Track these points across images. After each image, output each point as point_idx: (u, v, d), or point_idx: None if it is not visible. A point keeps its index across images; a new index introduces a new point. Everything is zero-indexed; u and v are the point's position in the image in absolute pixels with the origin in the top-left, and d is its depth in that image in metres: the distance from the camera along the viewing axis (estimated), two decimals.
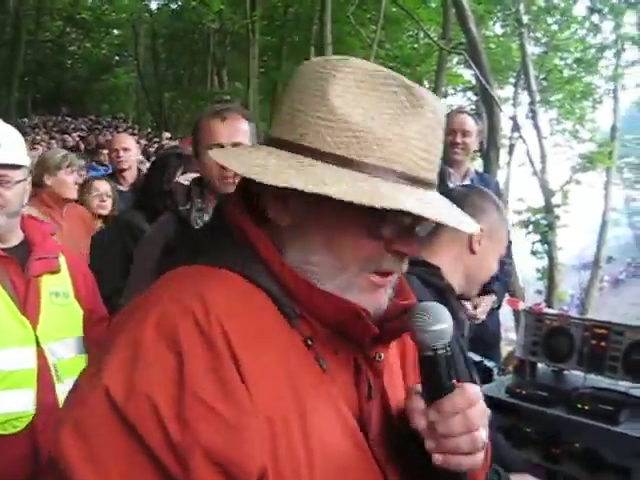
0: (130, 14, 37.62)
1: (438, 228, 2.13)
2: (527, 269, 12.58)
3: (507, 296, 5.03)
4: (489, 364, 2.82)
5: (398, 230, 1.02)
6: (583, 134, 23.92)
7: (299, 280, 1.02)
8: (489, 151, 10.11)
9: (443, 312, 1.06)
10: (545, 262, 11.77)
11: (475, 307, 4.03)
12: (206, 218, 2.58)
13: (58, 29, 42.99)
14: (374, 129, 0.97)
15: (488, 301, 4.14)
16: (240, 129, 2.61)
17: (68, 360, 2.46)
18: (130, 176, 5.40)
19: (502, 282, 4.41)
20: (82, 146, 17.29)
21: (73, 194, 4.24)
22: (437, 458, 1.00)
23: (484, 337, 3.90)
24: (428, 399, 1.03)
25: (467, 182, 4.39)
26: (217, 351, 0.90)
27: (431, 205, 0.99)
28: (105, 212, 4.59)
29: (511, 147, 21.28)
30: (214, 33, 32.78)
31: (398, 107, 0.99)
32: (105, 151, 8.96)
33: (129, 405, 0.86)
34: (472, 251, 2.11)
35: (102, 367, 0.90)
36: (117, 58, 46.45)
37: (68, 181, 4.19)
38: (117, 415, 0.86)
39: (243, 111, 2.71)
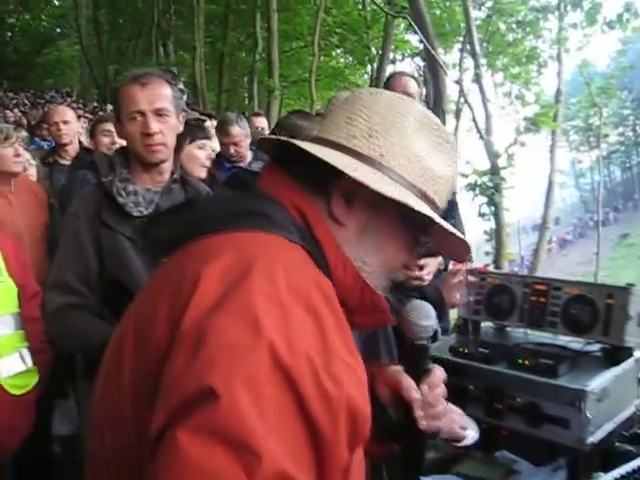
0: None
1: None
2: (476, 232, 12.76)
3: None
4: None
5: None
6: (529, 98, 24.17)
7: (350, 267, 1.17)
8: (435, 114, 10.16)
9: (431, 310, 1.38)
10: (493, 224, 11.95)
11: (421, 269, 4.07)
12: (131, 188, 2.53)
13: None
14: (435, 167, 1.21)
15: (434, 263, 4.17)
16: (161, 94, 2.56)
17: (7, 336, 2.45)
18: (72, 150, 5.25)
19: None
20: (25, 121, 16.85)
21: (16, 167, 4.14)
22: (424, 424, 1.33)
23: (428, 298, 3.93)
24: (415, 378, 1.33)
25: None
26: (338, 313, 1.03)
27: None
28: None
29: (458, 112, 21.39)
30: (158, 2, 32.05)
31: (444, 152, 1.23)
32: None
33: (292, 361, 0.90)
34: None
35: (255, 324, 0.92)
36: (59, 30, 45.20)
37: (7, 155, 4.09)
38: (280, 370, 0.90)
39: (163, 75, 2.65)
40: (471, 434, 2.24)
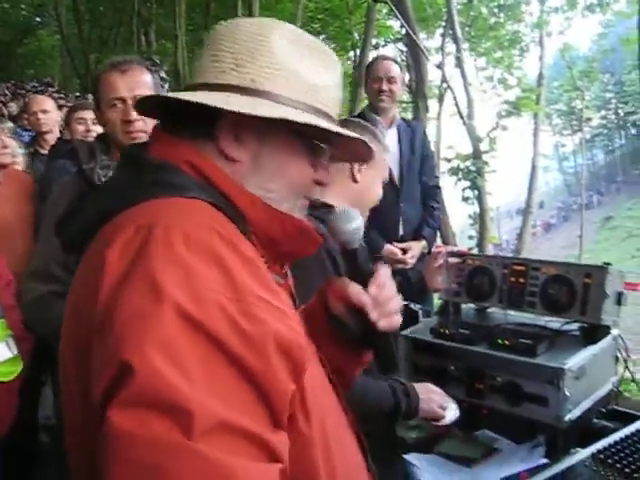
0: None
1: None
2: (460, 216, 12.80)
3: (438, 242, 5.12)
4: (414, 307, 2.87)
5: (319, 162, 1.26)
6: (512, 82, 24.18)
7: (258, 202, 1.17)
8: (417, 100, 10.18)
9: (354, 213, 1.39)
10: (476, 208, 11.98)
11: (405, 252, 4.11)
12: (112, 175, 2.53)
13: None
14: (315, 79, 1.19)
15: (418, 246, 4.22)
16: (141, 81, 2.56)
17: None
18: (51, 139, 5.22)
19: (432, 228, 4.50)
20: (5, 112, 16.69)
21: (3, 159, 4.11)
22: (382, 324, 1.31)
23: (414, 282, 3.97)
24: (361, 282, 1.32)
25: (393, 129, 4.41)
26: (246, 255, 1.00)
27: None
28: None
29: (441, 97, 21.37)
30: None
31: (321, 63, 1.22)
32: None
33: (200, 311, 0.90)
34: (355, 180, 2.38)
35: (156, 288, 0.90)
36: (38, 19, 44.66)
37: None
38: (192, 325, 0.89)
39: (144, 62, 2.65)
40: (451, 413, 2.28)
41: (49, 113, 5.25)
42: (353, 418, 1.33)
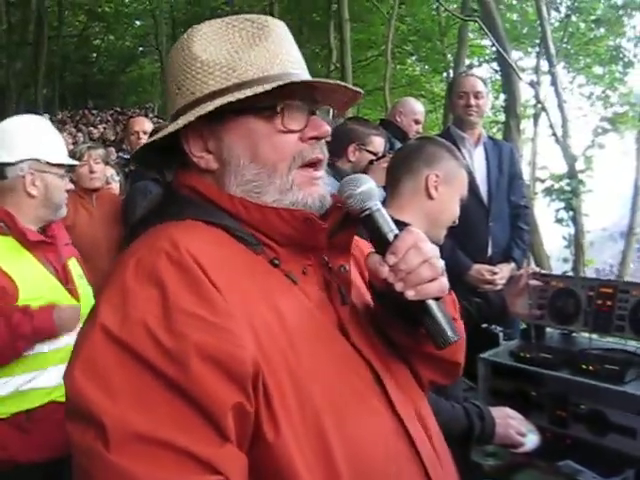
0: (149, 4, 37.73)
1: (398, 184, 2.32)
2: (553, 238, 12.39)
3: (531, 264, 4.96)
4: (495, 330, 2.77)
5: (303, 120, 1.19)
6: (614, 99, 23.31)
7: (248, 204, 1.16)
8: (508, 119, 9.96)
9: (363, 177, 1.20)
10: (572, 230, 11.53)
11: (494, 274, 3.98)
12: None
13: (81, 23, 43.22)
14: (241, 56, 1.18)
15: (507, 268, 4.08)
16: None
17: None
18: None
19: (521, 249, 4.35)
20: (110, 135, 17.49)
21: (92, 183, 4.37)
22: (409, 294, 1.12)
23: (495, 305, 3.85)
24: (381, 252, 1.15)
25: (480, 147, 4.32)
26: (191, 272, 1.02)
27: (299, 75, 1.20)
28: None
29: (536, 117, 20.85)
30: None
31: (246, 37, 1.20)
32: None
33: (124, 331, 0.97)
34: (430, 197, 2.27)
35: (96, 313, 1.02)
36: (141, 49, 46.58)
37: (84, 173, 4.36)
38: (116, 343, 0.97)
39: None
40: (531, 441, 2.17)
41: (148, 134, 5.39)
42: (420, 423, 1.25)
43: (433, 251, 1.15)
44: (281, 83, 1.13)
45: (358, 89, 1.30)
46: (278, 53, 1.20)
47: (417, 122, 5.30)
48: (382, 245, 1.16)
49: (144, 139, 5.32)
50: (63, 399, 2.38)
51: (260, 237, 1.17)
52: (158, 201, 1.27)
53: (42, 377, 2.46)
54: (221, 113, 1.15)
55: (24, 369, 2.44)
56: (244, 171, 1.17)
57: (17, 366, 2.43)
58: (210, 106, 1.14)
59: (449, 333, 1.14)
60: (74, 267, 2.75)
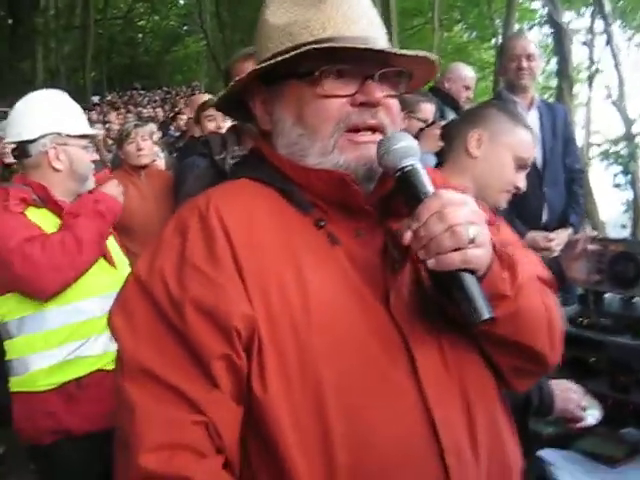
0: None
1: (448, 149, 2.24)
2: (612, 203, 12.10)
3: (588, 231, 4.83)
4: None
5: (353, 85, 1.16)
6: None
7: (294, 165, 1.19)
8: (560, 82, 9.69)
9: (401, 134, 1.15)
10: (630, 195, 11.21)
11: (550, 240, 3.88)
12: None
13: (126, 5, 43.59)
14: (297, 19, 1.20)
15: (564, 234, 3.98)
16: None
17: None
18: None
19: (578, 214, 4.24)
20: (160, 115, 17.66)
21: (140, 160, 4.42)
22: (430, 263, 1.06)
23: (553, 272, 3.77)
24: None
25: (533, 111, 4.20)
26: (211, 229, 1.12)
27: (354, 39, 1.16)
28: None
29: (590, 80, 20.30)
30: None
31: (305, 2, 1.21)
32: (184, 116, 9.27)
33: (148, 277, 1.13)
34: (471, 155, 2.14)
35: (137, 261, 1.18)
36: (185, 28, 46.79)
37: (130, 151, 4.42)
38: (140, 286, 1.13)
39: None
40: (592, 415, 2.11)
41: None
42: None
43: (463, 218, 1.04)
44: (299, 51, 1.14)
45: (424, 53, 1.24)
46: (333, 15, 1.19)
47: (467, 88, 5.20)
48: (412, 207, 1.09)
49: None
50: (110, 367, 2.47)
51: (311, 198, 1.19)
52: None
53: (88, 345, 2.50)
54: (273, 76, 1.20)
55: (68, 338, 2.48)
56: (289, 133, 1.21)
57: (61, 336, 2.48)
58: (256, 69, 1.20)
59: (481, 310, 1.04)
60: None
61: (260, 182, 1.22)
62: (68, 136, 2.62)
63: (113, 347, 2.45)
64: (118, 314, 1.15)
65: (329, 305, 1.11)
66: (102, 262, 2.63)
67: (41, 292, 2.44)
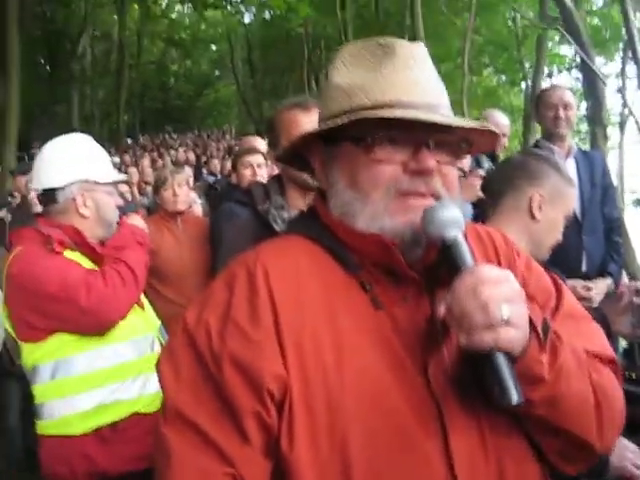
0: (225, 29, 38.60)
1: (498, 201, 2.23)
2: None
3: (625, 280, 4.74)
4: None
5: (407, 152, 1.15)
6: None
7: (345, 227, 1.19)
8: (594, 128, 9.66)
9: (447, 204, 1.12)
10: None
11: (589, 289, 3.81)
12: (286, 215, 2.50)
13: (159, 51, 44.63)
14: (357, 81, 1.19)
15: (603, 283, 3.92)
16: None
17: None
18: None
19: (617, 264, 4.17)
20: (192, 159, 17.81)
21: (175, 207, 4.42)
22: (462, 339, 1.03)
23: (597, 321, 3.70)
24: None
25: (571, 159, 4.19)
26: (256, 288, 1.15)
27: (415, 112, 1.12)
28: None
29: (622, 124, 20.23)
30: (307, 39, 32.99)
31: (373, 58, 1.20)
32: (215, 161, 9.37)
33: (194, 328, 1.16)
34: (533, 217, 2.17)
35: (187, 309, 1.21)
36: (217, 73, 47.72)
37: (167, 196, 4.42)
38: (187, 336, 1.16)
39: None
40: None
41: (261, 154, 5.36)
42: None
43: (498, 296, 1.01)
44: (349, 119, 1.13)
45: (483, 125, 1.22)
46: (393, 79, 1.17)
47: (503, 135, 5.20)
48: (453, 280, 1.06)
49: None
50: (146, 410, 2.46)
51: (359, 260, 1.18)
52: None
53: (124, 388, 2.49)
54: (330, 136, 1.21)
55: (107, 381, 2.47)
56: (342, 195, 1.20)
57: (98, 379, 2.46)
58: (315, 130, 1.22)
59: (509, 393, 1.00)
60: None
61: (311, 240, 1.23)
62: (95, 183, 2.63)
63: (148, 390, 2.46)
64: (165, 361, 1.18)
65: (364, 369, 1.10)
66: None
67: (107, 323, 2.48)
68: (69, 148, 2.67)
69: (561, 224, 2.22)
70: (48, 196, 2.62)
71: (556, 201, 2.18)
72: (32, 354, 2.49)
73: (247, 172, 4.49)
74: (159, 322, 2.80)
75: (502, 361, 1.01)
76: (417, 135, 1.14)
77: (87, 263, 2.56)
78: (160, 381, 1.17)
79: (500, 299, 1.00)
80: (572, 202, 2.25)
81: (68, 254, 2.52)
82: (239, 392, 1.08)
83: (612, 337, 2.93)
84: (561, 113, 4.14)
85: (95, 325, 2.46)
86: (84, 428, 2.43)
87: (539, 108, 4.37)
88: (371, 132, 1.14)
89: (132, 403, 2.49)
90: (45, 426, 2.51)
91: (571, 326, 1.22)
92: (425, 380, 1.11)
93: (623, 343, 3.02)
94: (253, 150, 4.72)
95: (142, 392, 2.51)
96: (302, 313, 1.12)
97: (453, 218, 1.10)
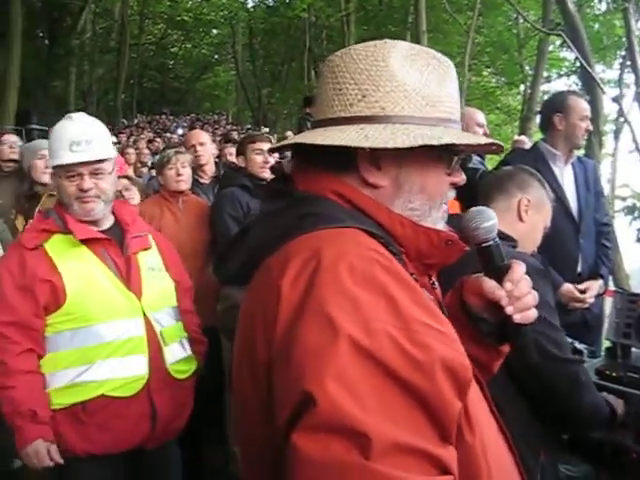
0: (228, 13, 38.42)
1: (493, 197, 2.45)
2: (635, 258, 12.04)
3: (610, 284, 4.86)
4: (579, 346, 2.75)
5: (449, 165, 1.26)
6: None
7: (406, 222, 1.22)
8: (590, 135, 9.72)
9: (489, 212, 1.40)
10: None
11: (583, 291, 3.94)
12: None
13: (160, 32, 44.37)
14: (435, 90, 1.21)
15: (596, 286, 4.04)
16: None
17: (170, 327, 2.76)
18: (209, 169, 5.42)
19: (607, 267, 4.29)
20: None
21: (178, 186, 4.43)
22: (516, 317, 1.30)
23: (588, 321, 3.90)
24: (496, 278, 1.33)
25: (569, 166, 4.28)
26: (407, 281, 1.07)
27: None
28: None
29: (617, 132, 20.33)
30: (310, 27, 32.91)
31: (437, 73, 1.23)
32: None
33: (373, 343, 0.95)
34: (521, 219, 2.40)
35: (330, 323, 0.97)
36: (216, 57, 47.45)
37: (170, 176, 4.44)
38: (365, 355, 0.95)
39: None
40: None
41: (205, 145, 5.46)
42: (499, 418, 1.32)
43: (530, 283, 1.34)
44: (459, 141, 1.18)
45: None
46: (457, 98, 1.27)
47: (480, 126, 5.22)
48: (496, 273, 1.35)
49: (200, 151, 5.28)
50: (113, 393, 2.52)
51: (405, 254, 1.23)
52: (288, 200, 1.25)
53: (91, 371, 2.52)
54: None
55: (75, 362, 2.52)
56: (413, 198, 1.23)
57: (69, 359, 2.52)
58: (435, 140, 1.15)
59: (533, 354, 1.38)
60: (142, 260, 2.78)
61: (367, 233, 1.15)
62: (55, 166, 2.64)
63: (119, 374, 2.53)
64: (340, 392, 0.93)
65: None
66: (119, 286, 2.64)
67: None
68: (54, 131, 2.70)
69: (540, 232, 2.47)
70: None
71: (540, 209, 2.44)
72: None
73: (259, 158, 4.50)
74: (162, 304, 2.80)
75: (529, 331, 1.35)
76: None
77: (77, 245, 2.61)
78: (339, 417, 0.91)
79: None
80: (550, 215, 2.51)
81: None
82: (451, 396, 0.98)
83: (595, 337, 3.05)
84: (589, 125, 4.25)
85: None
86: (57, 405, 2.50)
87: (568, 114, 4.33)
88: (454, 150, 1.24)
89: (99, 385, 2.52)
90: None
91: None
92: None
93: (607, 343, 3.13)
94: (265, 138, 4.75)
95: (110, 375, 2.54)
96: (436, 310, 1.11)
97: (495, 225, 1.39)
